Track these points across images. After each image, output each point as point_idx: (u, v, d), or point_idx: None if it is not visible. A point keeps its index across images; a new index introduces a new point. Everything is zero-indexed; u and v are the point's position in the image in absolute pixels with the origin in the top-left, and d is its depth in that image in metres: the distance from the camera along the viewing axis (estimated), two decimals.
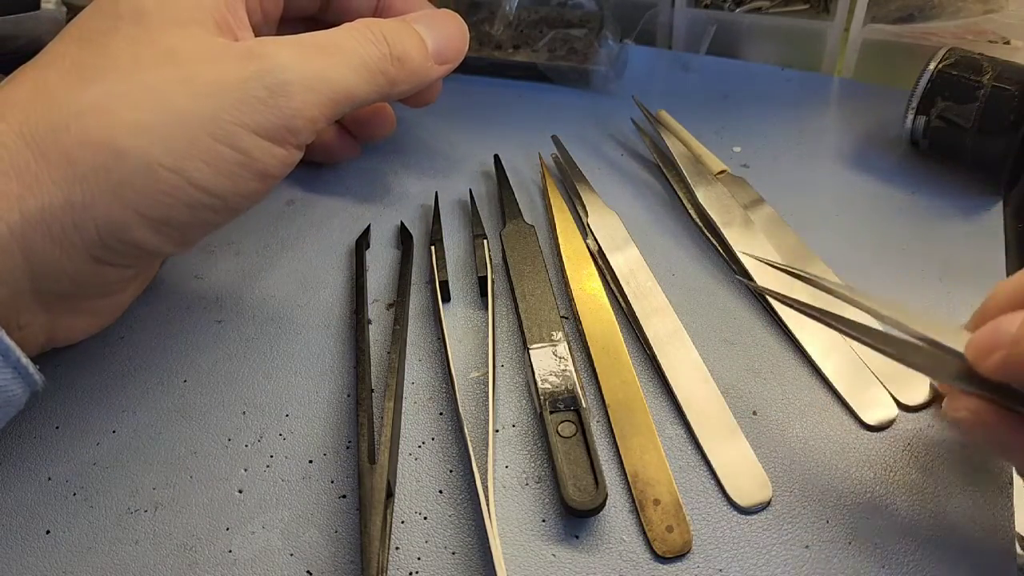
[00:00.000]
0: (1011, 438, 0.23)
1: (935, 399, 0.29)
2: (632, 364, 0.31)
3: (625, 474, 0.28)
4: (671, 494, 0.27)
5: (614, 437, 0.29)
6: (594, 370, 0.30)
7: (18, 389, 0.25)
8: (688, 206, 0.37)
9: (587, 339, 0.31)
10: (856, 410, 0.29)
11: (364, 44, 0.29)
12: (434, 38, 0.32)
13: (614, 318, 0.32)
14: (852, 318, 0.25)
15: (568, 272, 0.33)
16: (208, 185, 0.26)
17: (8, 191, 0.24)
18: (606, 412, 0.29)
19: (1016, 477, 0.27)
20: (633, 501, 0.27)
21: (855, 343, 0.30)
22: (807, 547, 0.26)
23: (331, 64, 0.28)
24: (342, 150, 0.39)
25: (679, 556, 0.26)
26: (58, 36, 0.28)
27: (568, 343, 0.30)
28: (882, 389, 0.29)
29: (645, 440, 0.28)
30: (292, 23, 0.36)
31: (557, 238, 0.35)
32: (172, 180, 0.25)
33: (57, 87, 0.25)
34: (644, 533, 0.26)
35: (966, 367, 0.23)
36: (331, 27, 0.30)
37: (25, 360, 0.25)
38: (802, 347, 0.31)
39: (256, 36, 0.30)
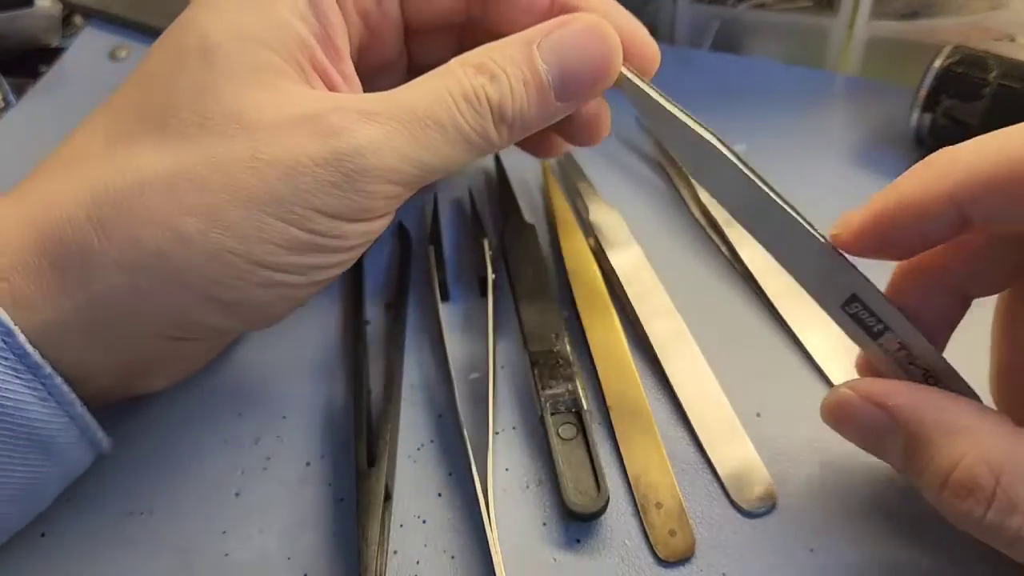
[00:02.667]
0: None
1: None
2: (634, 365, 0.30)
3: (627, 477, 0.27)
4: (674, 497, 0.26)
5: (616, 439, 0.28)
6: (595, 371, 0.30)
7: (88, 457, 0.25)
8: (691, 204, 0.36)
9: (589, 340, 0.31)
10: None
11: (462, 110, 0.24)
12: (560, 67, 0.25)
13: (616, 319, 0.32)
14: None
15: (569, 272, 0.33)
16: (281, 264, 0.24)
17: (71, 267, 0.23)
18: (608, 414, 0.29)
19: None
20: (635, 504, 0.27)
21: (859, 345, 0.30)
22: (811, 550, 0.25)
23: (421, 142, 0.24)
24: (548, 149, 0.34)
25: (682, 560, 0.25)
26: (134, 68, 0.26)
27: (569, 343, 0.30)
28: None
29: (647, 442, 0.28)
30: (432, 34, 0.31)
31: (558, 237, 0.35)
32: (241, 264, 0.23)
33: (121, 145, 0.24)
34: (647, 537, 0.26)
35: None
36: (487, 35, 0.26)
37: (101, 435, 0.25)
38: (806, 349, 0.30)
39: (374, 57, 0.28)
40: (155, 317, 0.24)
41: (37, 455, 0.24)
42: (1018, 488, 0.19)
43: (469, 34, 0.31)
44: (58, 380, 0.23)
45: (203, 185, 0.23)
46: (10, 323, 0.22)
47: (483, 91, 0.24)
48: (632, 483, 0.27)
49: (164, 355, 0.27)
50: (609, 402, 0.29)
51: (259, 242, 0.23)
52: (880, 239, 0.23)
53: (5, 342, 0.22)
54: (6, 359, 0.22)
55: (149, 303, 0.23)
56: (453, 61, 0.25)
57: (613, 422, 0.29)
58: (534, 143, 0.34)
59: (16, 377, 0.22)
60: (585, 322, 0.31)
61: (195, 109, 0.23)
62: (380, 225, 0.26)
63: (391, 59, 0.31)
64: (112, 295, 0.23)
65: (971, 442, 0.20)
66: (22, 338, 0.22)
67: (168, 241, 0.23)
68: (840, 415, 0.24)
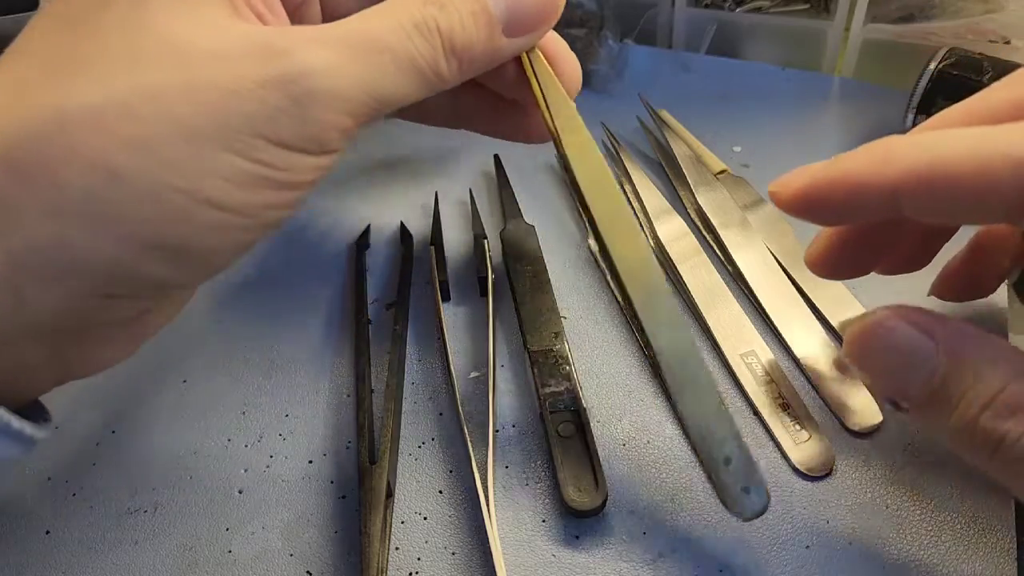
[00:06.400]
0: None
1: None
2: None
3: (629, 471, 0.28)
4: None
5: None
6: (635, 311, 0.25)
7: (15, 451, 0.23)
8: (688, 206, 0.37)
9: (612, 255, 0.26)
10: (842, 417, 0.29)
11: (413, 39, 0.24)
12: (507, 3, 0.26)
13: (639, 230, 0.26)
14: None
15: (590, 197, 0.27)
16: (229, 202, 0.22)
17: None
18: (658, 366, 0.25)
19: None
20: (633, 501, 0.27)
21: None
22: (807, 547, 0.26)
23: (371, 68, 0.23)
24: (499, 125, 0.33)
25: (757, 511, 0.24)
26: (38, 12, 0.23)
27: (568, 343, 0.30)
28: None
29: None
30: None
31: (567, 157, 0.29)
32: (184, 203, 0.21)
33: (36, 85, 0.21)
34: (644, 533, 0.26)
35: None
36: None
37: (19, 425, 0.22)
38: (791, 351, 0.31)
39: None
40: (87, 272, 0.21)
41: None
42: None
43: None
44: None
45: (136, 116, 0.20)
46: None
47: (434, 21, 0.24)
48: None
49: (99, 321, 0.24)
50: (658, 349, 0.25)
51: (204, 177, 0.21)
52: (814, 204, 0.24)
53: None
54: None
55: (80, 254, 0.21)
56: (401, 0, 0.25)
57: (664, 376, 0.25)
58: (510, 125, 0.33)
59: None
60: (607, 235, 0.26)
61: (125, 42, 0.21)
62: (331, 161, 0.24)
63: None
64: (36, 248, 0.20)
65: (1018, 369, 0.21)
66: None
67: (98, 180, 0.20)
68: (876, 337, 0.22)
